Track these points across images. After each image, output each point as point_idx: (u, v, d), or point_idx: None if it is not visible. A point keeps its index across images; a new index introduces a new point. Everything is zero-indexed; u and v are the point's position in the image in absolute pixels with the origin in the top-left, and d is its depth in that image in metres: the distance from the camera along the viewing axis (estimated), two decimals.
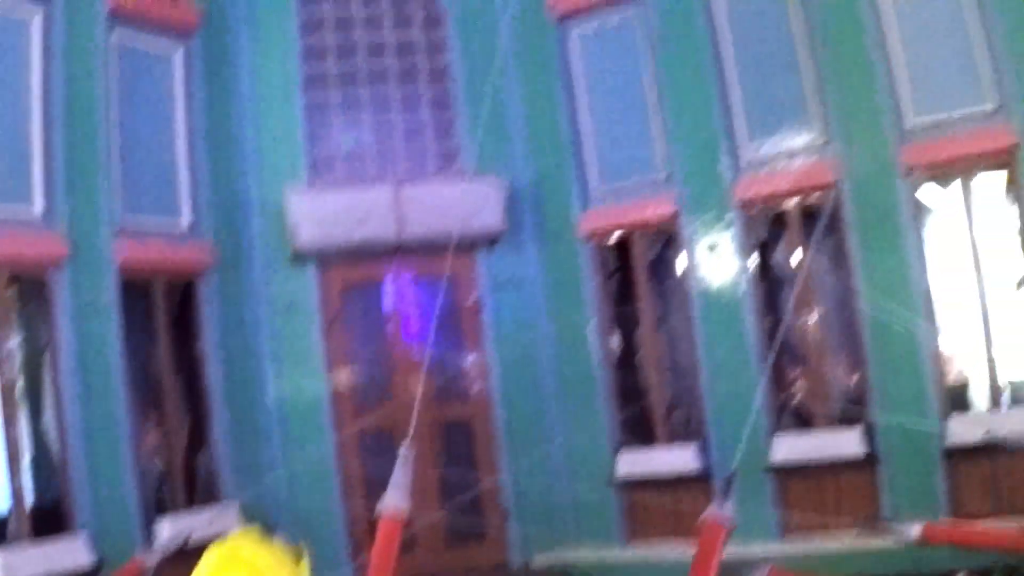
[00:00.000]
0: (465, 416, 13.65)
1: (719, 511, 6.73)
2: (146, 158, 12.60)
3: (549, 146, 13.81)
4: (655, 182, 13.20)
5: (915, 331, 11.47)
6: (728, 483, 7.26)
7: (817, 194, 12.23)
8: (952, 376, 11.71)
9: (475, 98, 13.80)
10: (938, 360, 11.59)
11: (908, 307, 11.51)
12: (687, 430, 13.02)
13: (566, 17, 13.85)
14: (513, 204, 13.58)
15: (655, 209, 13.08)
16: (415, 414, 8.54)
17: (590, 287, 13.50)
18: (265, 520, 11.68)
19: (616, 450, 13.18)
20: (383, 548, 6.09)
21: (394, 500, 6.32)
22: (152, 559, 7.14)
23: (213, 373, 12.87)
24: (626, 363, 13.51)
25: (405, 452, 7.00)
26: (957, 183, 11.67)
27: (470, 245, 13.50)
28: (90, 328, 11.48)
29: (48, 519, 10.95)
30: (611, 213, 13.40)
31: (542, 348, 13.67)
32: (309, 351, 13.37)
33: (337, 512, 13.20)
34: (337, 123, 13.90)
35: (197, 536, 9.77)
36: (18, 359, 11.22)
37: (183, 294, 12.90)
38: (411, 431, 7.47)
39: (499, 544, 13.35)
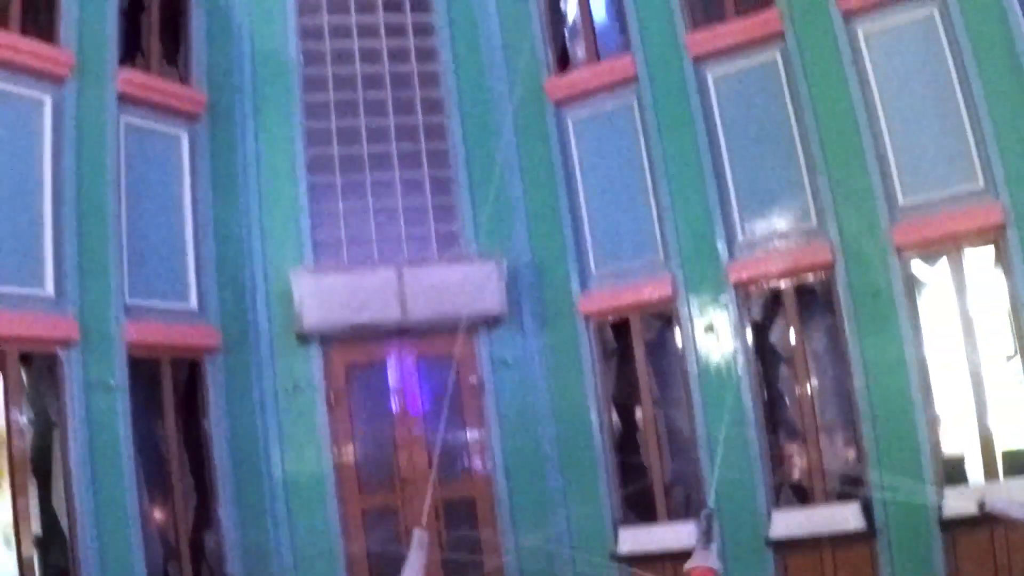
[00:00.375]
0: (468, 494, 13.72)
1: (704, 558, 6.82)
2: (154, 240, 12.84)
3: (549, 228, 14.06)
4: (653, 263, 13.47)
5: (910, 406, 11.70)
6: (708, 523, 7.35)
7: (811, 273, 12.54)
8: (948, 449, 11.85)
9: (476, 181, 14.18)
10: (934, 433, 11.76)
11: (902, 381, 11.74)
12: (687, 507, 13.08)
13: (563, 102, 14.24)
14: (514, 285, 13.82)
15: (653, 290, 13.32)
16: (429, 498, 8.68)
17: (590, 366, 13.65)
18: None
19: (617, 526, 13.25)
20: None
21: None
22: None
23: (219, 451, 12.96)
24: (626, 441, 13.62)
25: (420, 535, 7.11)
26: (947, 259, 11.93)
27: (472, 326, 13.59)
28: (99, 406, 11.62)
29: None
30: (610, 294, 13.62)
31: (543, 426, 13.79)
32: (313, 430, 13.48)
33: None
34: (340, 206, 14.15)
35: None
36: (29, 435, 11.33)
37: (190, 373, 13.05)
38: (425, 515, 7.57)
39: None
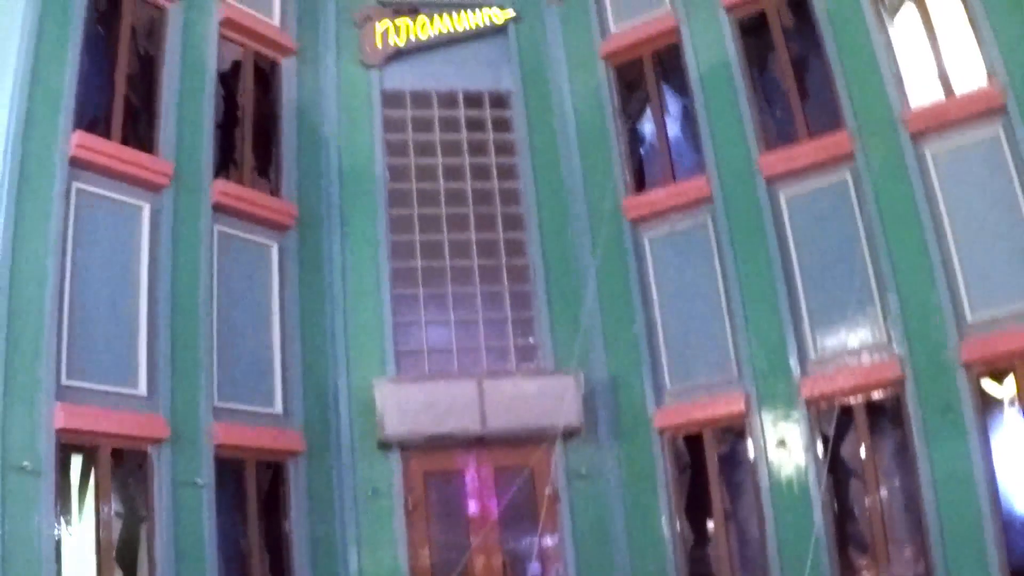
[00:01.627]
0: None
1: None
2: (242, 345, 13.27)
3: (625, 343, 14.32)
4: (726, 379, 13.68)
5: (979, 520, 11.77)
6: None
7: (882, 389, 12.70)
8: (1016, 562, 11.83)
9: (554, 296, 14.63)
10: (1002, 548, 11.75)
11: (971, 496, 11.82)
12: None
13: (640, 221, 14.66)
14: (590, 399, 14.05)
15: (726, 405, 13.51)
16: None
17: (663, 479, 13.77)
18: None
19: None
20: None
21: None
22: None
23: (299, 552, 13.19)
24: (698, 553, 13.67)
25: None
26: (1015, 375, 12.03)
27: (549, 438, 13.83)
28: (186, 503, 11.94)
29: None
30: (684, 409, 13.82)
31: (616, 537, 13.88)
32: (391, 535, 13.67)
33: None
34: (423, 317, 14.59)
35: None
36: (117, 527, 11.67)
37: (273, 475, 13.36)
38: None
39: None
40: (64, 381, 11.13)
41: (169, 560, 11.67)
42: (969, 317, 12.27)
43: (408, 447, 13.95)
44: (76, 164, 11.75)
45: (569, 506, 13.86)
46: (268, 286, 13.78)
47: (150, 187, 12.48)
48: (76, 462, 11.50)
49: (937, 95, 13.10)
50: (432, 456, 14.10)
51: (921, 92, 13.22)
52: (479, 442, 14.01)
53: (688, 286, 14.25)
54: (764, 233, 13.63)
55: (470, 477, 14.16)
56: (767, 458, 13.20)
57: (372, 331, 14.30)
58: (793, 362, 13.20)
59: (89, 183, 11.93)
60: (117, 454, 11.67)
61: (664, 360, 14.18)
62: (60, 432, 10.88)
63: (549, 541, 13.88)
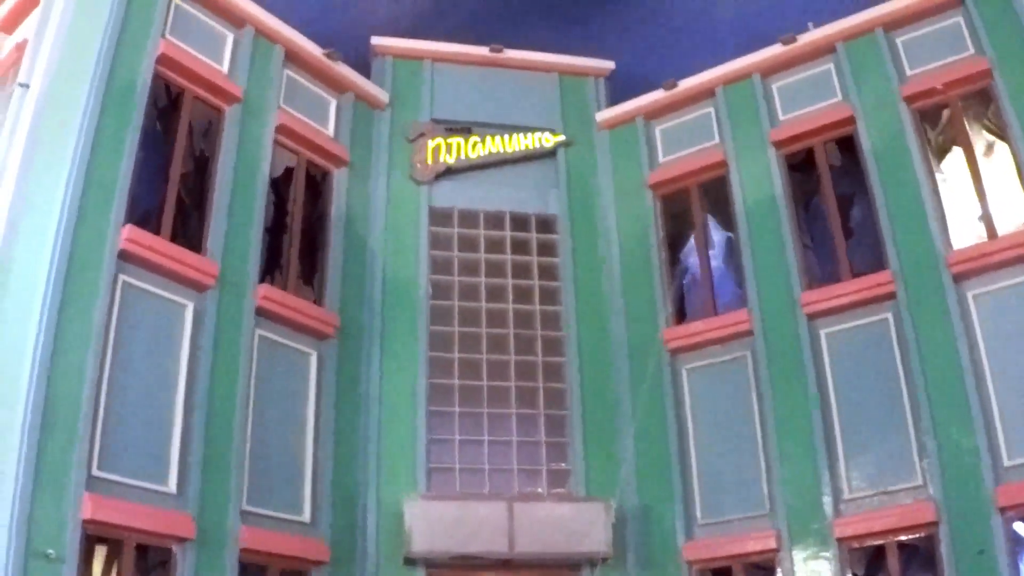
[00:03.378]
0: None
1: None
2: (275, 450, 13.26)
3: (657, 474, 14.22)
4: (758, 515, 13.53)
5: None
6: None
7: (915, 531, 12.51)
8: None
9: (589, 422, 14.61)
10: None
11: None
12: None
13: (679, 351, 14.68)
14: (620, 527, 13.88)
15: (757, 542, 13.34)
16: None
17: None
18: None
19: None
20: None
21: None
22: None
23: None
24: None
25: None
26: None
27: (577, 564, 13.79)
28: None
29: None
30: (714, 543, 13.64)
31: None
32: None
33: None
34: (457, 436, 14.57)
35: None
36: None
37: None
38: None
39: None
40: (95, 472, 11.15)
41: None
42: (1006, 461, 12.14)
43: (434, 565, 13.84)
44: (124, 257, 11.91)
45: None
46: (305, 394, 13.83)
47: (195, 286, 12.63)
48: (100, 553, 11.47)
49: (980, 236, 13.19)
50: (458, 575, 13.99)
51: (964, 233, 13.33)
52: (506, 564, 13.85)
53: (724, 419, 14.22)
54: (803, 369, 13.62)
55: None
56: None
57: (405, 446, 14.29)
58: (827, 500, 13.04)
59: (136, 277, 12.09)
60: (142, 549, 11.64)
61: (696, 492, 14.07)
62: (87, 523, 10.85)
63: None
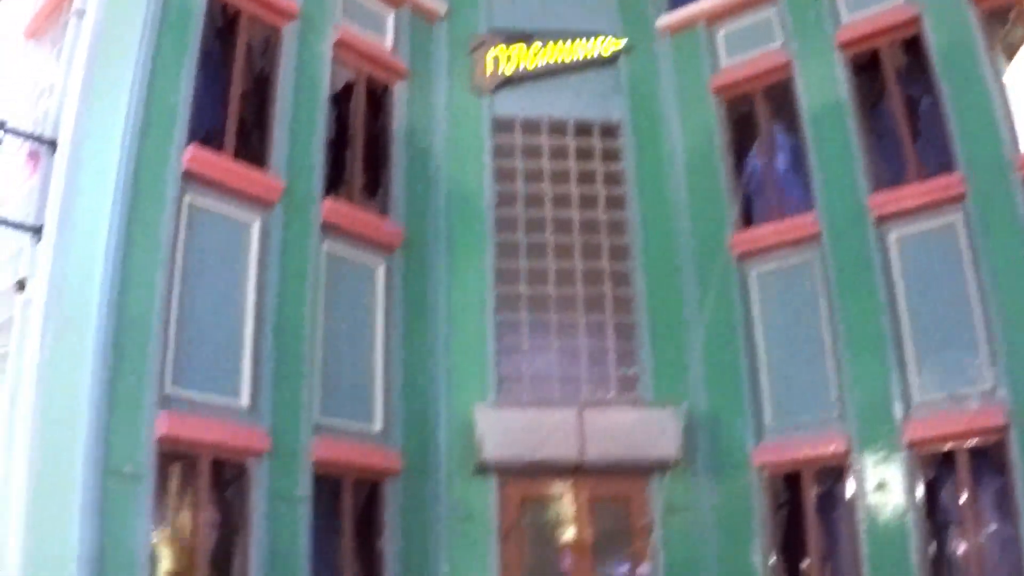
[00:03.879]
0: None
1: None
2: (345, 363, 13.40)
3: (726, 378, 14.18)
4: (828, 419, 13.45)
5: None
6: None
7: (985, 436, 12.43)
8: None
9: (657, 328, 14.55)
10: None
11: None
12: None
13: (746, 256, 14.56)
14: (689, 433, 13.86)
15: (827, 446, 13.29)
16: None
17: (759, 516, 13.59)
18: None
19: None
20: None
21: None
22: None
23: (391, 571, 13.26)
24: None
25: None
26: None
27: (646, 470, 13.84)
28: (282, 516, 12.07)
29: None
30: (783, 447, 13.63)
31: (709, 573, 13.68)
32: (484, 559, 13.68)
33: None
34: (525, 344, 14.59)
35: None
36: (213, 537, 11.84)
37: (370, 494, 13.45)
38: None
39: None
40: (168, 390, 11.34)
41: (262, 572, 11.78)
42: None
43: (505, 472, 13.97)
44: (189, 177, 11.98)
45: (663, 539, 13.66)
46: (373, 306, 13.92)
47: (260, 203, 12.69)
48: (176, 470, 11.68)
49: None
50: (529, 482, 14.12)
51: None
52: (576, 470, 13.93)
53: (792, 323, 14.11)
54: (871, 272, 13.45)
55: (565, 505, 14.11)
56: (866, 500, 12.94)
57: (474, 355, 14.36)
58: (896, 405, 12.95)
59: (201, 196, 12.15)
60: (216, 464, 11.84)
61: (765, 397, 14.01)
62: (162, 440, 11.07)
63: (641, 572, 13.73)
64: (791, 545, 13.56)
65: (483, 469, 13.85)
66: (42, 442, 10.54)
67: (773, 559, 13.46)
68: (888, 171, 13.92)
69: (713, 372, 14.30)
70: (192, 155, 11.96)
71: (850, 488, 13.19)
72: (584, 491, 14.09)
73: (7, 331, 11.90)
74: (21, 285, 11.29)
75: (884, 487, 12.86)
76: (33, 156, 12.46)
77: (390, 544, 13.35)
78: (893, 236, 13.55)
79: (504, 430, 13.75)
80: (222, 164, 12.36)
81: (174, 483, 11.73)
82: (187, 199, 11.97)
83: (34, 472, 10.45)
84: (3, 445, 11.11)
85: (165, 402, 11.22)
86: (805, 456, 13.47)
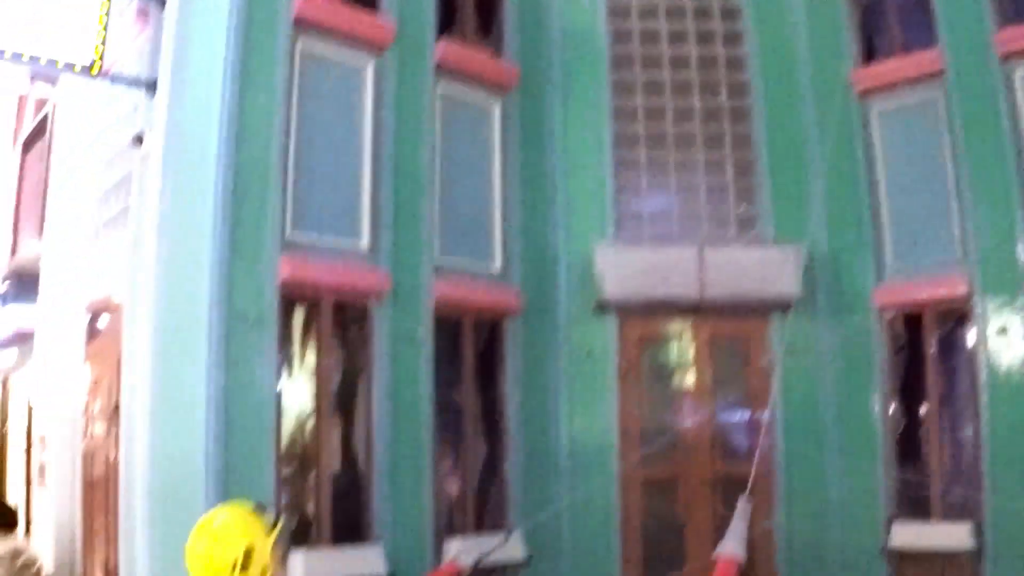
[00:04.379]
0: (746, 473, 13.77)
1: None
2: (463, 204, 13.49)
3: (847, 218, 13.94)
4: (950, 261, 13.20)
5: None
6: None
7: None
8: None
9: (777, 166, 14.30)
10: None
11: None
12: (963, 508, 12.78)
13: (868, 93, 14.09)
14: (809, 272, 13.70)
15: (948, 288, 13.07)
16: (754, 468, 8.81)
17: (878, 358, 13.52)
18: (548, 550, 12.39)
19: (890, 520, 13.10)
20: None
21: (731, 547, 6.54)
22: (467, 565, 7.66)
23: (511, 409, 13.59)
24: (908, 436, 13.43)
25: (744, 504, 7.17)
26: None
27: (765, 309, 13.80)
28: (404, 357, 12.35)
29: (348, 528, 11.87)
30: (905, 288, 13.44)
31: (826, 414, 13.72)
32: (603, 397, 13.88)
33: (614, 550, 13.64)
34: (644, 182, 14.48)
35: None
36: (336, 379, 12.22)
37: (490, 333, 13.70)
38: (749, 486, 7.65)
39: None
40: (288, 235, 11.51)
41: (386, 411, 12.14)
42: None
43: (625, 311, 14.02)
44: (300, 23, 11.91)
45: (782, 379, 13.46)
46: (490, 147, 13.90)
47: (373, 46, 12.60)
48: (298, 314, 11.98)
49: None
50: (648, 321, 14.18)
51: None
52: (696, 310, 13.94)
53: (915, 162, 13.72)
54: (997, 112, 12.95)
55: (685, 344, 14.20)
56: (987, 345, 12.77)
57: (592, 194, 14.30)
58: (1021, 248, 12.63)
59: (313, 42, 12.10)
60: (339, 307, 12.08)
61: (887, 237, 13.73)
62: (284, 284, 11.30)
63: (759, 413, 13.60)
64: (910, 389, 13.50)
65: (602, 308, 13.91)
66: (166, 293, 10.82)
67: (892, 406, 13.42)
68: (1015, 7, 13.35)
69: (834, 211, 13.99)
70: (303, 0, 11.88)
71: (971, 332, 13.01)
72: (703, 330, 14.14)
73: (127, 186, 12.17)
74: (138, 140, 11.47)
75: (1005, 332, 12.67)
76: (143, 13, 12.54)
77: (511, 383, 13.64)
78: (1020, 74, 13.01)
79: (623, 268, 13.75)
80: (333, 8, 12.25)
81: (297, 327, 12.04)
82: (299, 45, 11.93)
83: (159, 322, 10.76)
84: (128, 297, 11.42)
85: (286, 247, 11.41)
86: (926, 298, 13.29)
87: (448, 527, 12.76)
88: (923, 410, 13.37)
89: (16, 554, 11.97)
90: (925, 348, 13.34)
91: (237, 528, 5.07)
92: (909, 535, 12.86)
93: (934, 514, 12.94)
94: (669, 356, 14.38)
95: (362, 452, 12.23)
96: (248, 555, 5.06)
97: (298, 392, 11.99)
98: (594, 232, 14.13)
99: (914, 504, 13.16)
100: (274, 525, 5.20)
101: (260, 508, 5.32)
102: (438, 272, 12.85)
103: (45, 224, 15.20)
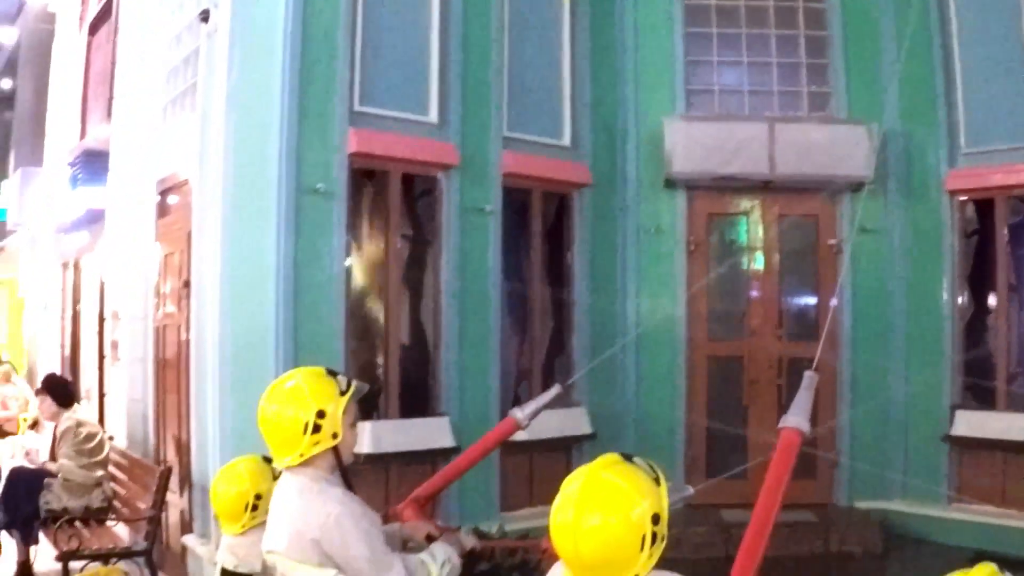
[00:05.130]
0: (811, 356, 13.72)
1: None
2: (532, 78, 13.34)
3: (922, 99, 13.67)
4: None
5: None
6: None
7: None
8: None
9: (851, 44, 13.98)
10: None
11: None
12: None
13: None
14: (881, 153, 13.46)
15: (1022, 175, 12.87)
16: (821, 343, 8.77)
17: (948, 243, 13.38)
18: (614, 424, 12.48)
19: (953, 409, 13.08)
20: (782, 458, 6.36)
21: (796, 419, 6.54)
22: (525, 419, 7.72)
23: (578, 283, 13.63)
24: (975, 323, 13.40)
25: (810, 376, 7.17)
26: None
27: (836, 189, 13.67)
28: (472, 229, 12.38)
29: (415, 401, 12.07)
30: (977, 173, 13.20)
31: (894, 297, 13.67)
32: (670, 273, 13.90)
33: (679, 426, 13.79)
34: (715, 58, 14.25)
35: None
36: (405, 251, 12.30)
37: (558, 206, 13.71)
38: (816, 361, 7.67)
39: (826, 484, 13.61)
40: (357, 108, 11.47)
41: (454, 283, 12.22)
42: None
43: (694, 187, 13.96)
44: None
45: (850, 260, 13.52)
46: (559, 19, 13.70)
47: None
48: (367, 186, 12.04)
49: None
50: (717, 197, 14.11)
51: None
52: (765, 187, 13.84)
53: (993, 44, 13.32)
54: None
55: (753, 222, 14.12)
56: None
57: (662, 68, 14.10)
58: None
59: None
60: (407, 179, 12.11)
61: (961, 120, 13.45)
62: (353, 157, 11.31)
63: (826, 293, 13.67)
64: (979, 277, 13.44)
65: (672, 183, 13.83)
66: (235, 168, 10.79)
67: (961, 293, 13.35)
68: None
69: (908, 92, 13.75)
70: None
71: None
72: (773, 208, 14.04)
73: (194, 63, 12.12)
74: (205, 16, 11.37)
75: None
76: None
77: (578, 257, 13.66)
78: None
79: (693, 143, 13.60)
80: None
81: (366, 199, 12.11)
82: None
83: (229, 197, 10.77)
84: (197, 174, 11.46)
85: (355, 119, 11.37)
86: (999, 184, 13.08)
87: (515, 401, 12.88)
88: (991, 299, 13.29)
89: (79, 426, 12.32)
90: (996, 235, 13.16)
91: (309, 391, 5.16)
92: (972, 424, 12.86)
93: (998, 404, 12.90)
94: (737, 233, 14.27)
95: (430, 325, 12.35)
96: (319, 418, 5.11)
97: (367, 264, 12.12)
98: (664, 107, 13.96)
99: (978, 393, 13.14)
100: (346, 390, 5.26)
101: (332, 373, 5.38)
102: (507, 145, 12.78)
103: (113, 105, 15.21)
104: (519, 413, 7.72)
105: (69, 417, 12.59)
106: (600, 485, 3.76)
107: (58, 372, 16.81)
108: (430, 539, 5.74)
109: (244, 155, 10.80)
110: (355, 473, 5.46)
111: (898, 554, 12.30)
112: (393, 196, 11.92)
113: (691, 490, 8.41)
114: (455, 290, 12.22)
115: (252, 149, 10.81)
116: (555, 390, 7.91)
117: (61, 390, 13.01)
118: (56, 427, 12.69)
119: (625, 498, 3.71)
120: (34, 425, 19.18)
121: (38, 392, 13.09)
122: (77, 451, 12.24)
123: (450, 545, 5.61)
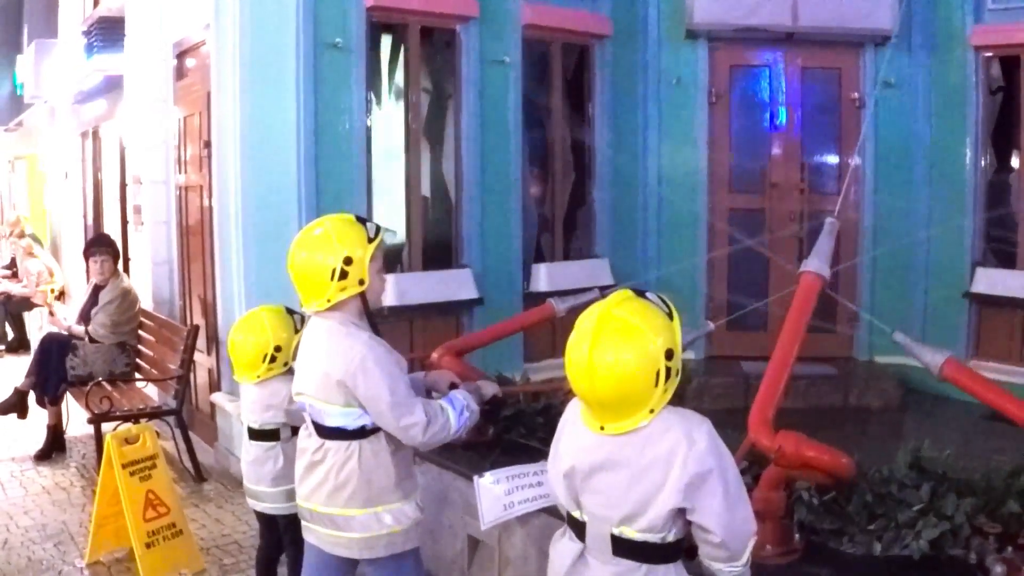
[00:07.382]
0: (833, 209, 13.70)
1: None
2: None
3: None
4: None
5: None
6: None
7: None
8: None
9: None
10: None
11: None
12: None
13: None
14: (906, 5, 13.14)
15: None
16: (841, 197, 8.75)
17: (973, 99, 13.09)
18: (635, 277, 12.56)
19: (974, 266, 13.05)
20: (801, 302, 6.39)
21: (815, 264, 6.55)
22: (562, 309, 7.82)
23: (600, 136, 13.57)
24: (997, 183, 13.26)
25: (832, 222, 7.19)
26: None
27: (859, 42, 13.50)
28: (492, 81, 12.31)
29: (438, 253, 12.16)
30: (1005, 30, 12.83)
31: (917, 152, 13.52)
32: (691, 125, 13.78)
33: (699, 280, 13.86)
34: None
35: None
36: (425, 103, 12.25)
37: (579, 58, 13.59)
38: (837, 209, 7.66)
39: (847, 339, 13.68)
40: None
41: (474, 135, 12.22)
42: None
43: (716, 38, 13.77)
44: None
45: (873, 114, 13.36)
46: None
47: None
48: (386, 40, 11.99)
49: None
50: (739, 49, 13.90)
51: None
52: (788, 38, 13.61)
53: None
54: None
55: (776, 74, 13.96)
56: None
57: None
58: None
59: None
60: (426, 32, 12.01)
61: None
62: (370, 10, 11.22)
63: (848, 147, 13.62)
64: (1003, 136, 13.22)
65: (693, 34, 13.67)
66: (252, 25, 10.65)
67: (984, 150, 13.19)
68: None
69: None
70: None
71: None
72: (795, 60, 13.85)
73: None
74: None
75: None
76: None
77: (599, 108, 13.58)
78: None
79: None
80: None
81: (385, 52, 12.05)
82: None
83: (247, 55, 10.69)
84: (214, 34, 11.35)
85: None
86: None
87: (536, 254, 13.09)
88: (1015, 158, 13.12)
89: (126, 294, 12.47)
90: (1021, 93, 12.88)
91: (337, 237, 5.23)
92: (992, 281, 12.83)
93: (1019, 263, 12.82)
94: (759, 86, 14.07)
95: (451, 178, 12.39)
96: (347, 264, 5.19)
97: (387, 118, 12.07)
98: None
99: (999, 251, 13.11)
100: (374, 236, 5.32)
101: (361, 220, 5.43)
102: None
103: None
104: (559, 304, 7.87)
105: (120, 284, 12.77)
106: (613, 322, 3.88)
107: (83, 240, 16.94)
108: (453, 388, 5.87)
109: (261, 12, 10.70)
110: (380, 323, 5.54)
111: (915, 409, 12.32)
112: (412, 49, 11.83)
113: (711, 325, 8.56)
114: (476, 143, 12.21)
115: (269, 6, 10.71)
116: (594, 295, 7.85)
117: (117, 251, 13.18)
118: (100, 290, 12.83)
119: (638, 334, 3.82)
120: (60, 296, 19.39)
121: (97, 253, 12.97)
122: (120, 318, 12.46)
123: (470, 393, 5.76)
